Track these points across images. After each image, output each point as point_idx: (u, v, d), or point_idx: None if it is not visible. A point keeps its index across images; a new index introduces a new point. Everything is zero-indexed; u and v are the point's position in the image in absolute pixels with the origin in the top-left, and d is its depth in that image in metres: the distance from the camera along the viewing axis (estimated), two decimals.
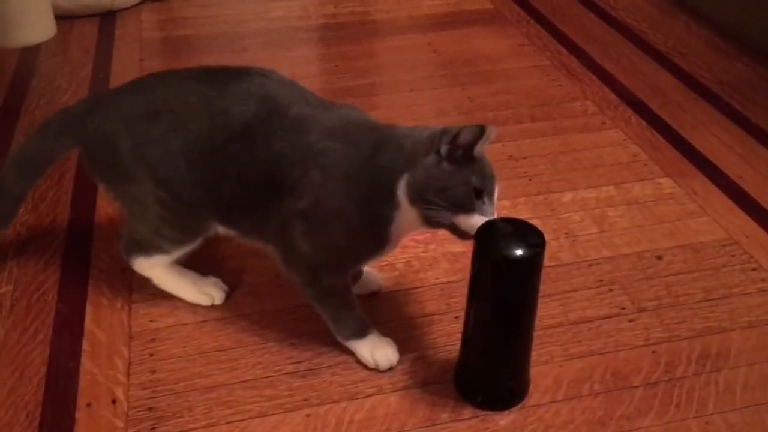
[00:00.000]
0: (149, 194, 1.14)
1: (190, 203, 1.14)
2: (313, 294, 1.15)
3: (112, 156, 1.15)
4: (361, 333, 1.16)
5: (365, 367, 1.16)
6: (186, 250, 1.22)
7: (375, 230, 1.07)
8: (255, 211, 1.13)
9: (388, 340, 1.17)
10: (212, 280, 1.28)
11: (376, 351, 1.15)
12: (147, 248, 1.22)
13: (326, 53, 2.17)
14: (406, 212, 1.04)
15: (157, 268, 1.25)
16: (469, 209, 1.00)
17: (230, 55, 2.11)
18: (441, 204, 1.00)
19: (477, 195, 1.00)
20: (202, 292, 1.26)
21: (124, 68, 2.04)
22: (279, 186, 1.08)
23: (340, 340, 1.17)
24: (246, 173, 1.10)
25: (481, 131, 0.98)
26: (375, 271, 1.31)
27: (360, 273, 1.27)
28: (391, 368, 1.15)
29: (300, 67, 2.05)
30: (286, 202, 1.08)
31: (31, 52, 2.11)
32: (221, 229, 1.19)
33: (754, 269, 1.35)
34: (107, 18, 2.31)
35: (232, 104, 1.10)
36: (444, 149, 1.00)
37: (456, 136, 0.99)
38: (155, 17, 2.36)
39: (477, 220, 1.00)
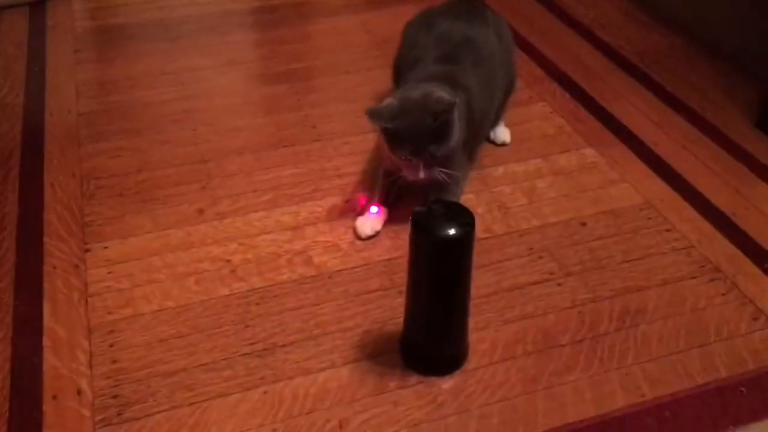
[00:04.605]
0: None
1: None
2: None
3: None
4: None
5: (316, 344, 1.24)
6: None
7: None
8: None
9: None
10: None
11: None
12: None
13: (262, 37, 2.20)
14: None
15: None
16: None
17: (165, 43, 2.13)
18: None
19: None
20: None
21: (59, 60, 2.04)
22: None
23: None
24: None
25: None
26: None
27: None
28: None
29: (236, 52, 2.08)
30: None
31: None
32: None
33: (668, 230, 1.47)
34: (37, 8, 2.29)
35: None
36: None
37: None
38: (87, 6, 2.35)
39: None
